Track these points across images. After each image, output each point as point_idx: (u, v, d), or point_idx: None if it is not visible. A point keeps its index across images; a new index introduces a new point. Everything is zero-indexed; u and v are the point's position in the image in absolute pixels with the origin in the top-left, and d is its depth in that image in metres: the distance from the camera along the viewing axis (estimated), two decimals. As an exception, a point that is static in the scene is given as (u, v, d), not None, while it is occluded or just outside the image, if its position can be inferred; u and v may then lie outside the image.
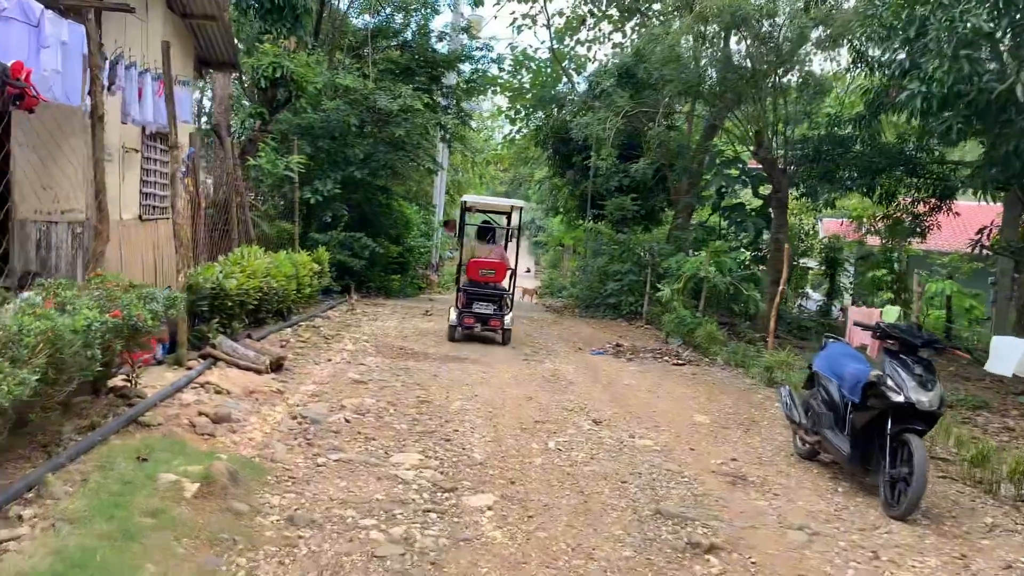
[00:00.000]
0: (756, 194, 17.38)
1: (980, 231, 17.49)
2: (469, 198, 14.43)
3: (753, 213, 16.97)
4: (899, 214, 20.60)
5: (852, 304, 23.54)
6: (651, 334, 15.48)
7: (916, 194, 19.58)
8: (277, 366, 8.82)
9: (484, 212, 15.40)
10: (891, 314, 9.83)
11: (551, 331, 15.19)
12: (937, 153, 18.94)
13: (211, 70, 15.10)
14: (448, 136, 25.16)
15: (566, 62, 24.48)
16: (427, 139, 20.49)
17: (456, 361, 10.63)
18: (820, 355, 7.24)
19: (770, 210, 17.34)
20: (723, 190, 17.18)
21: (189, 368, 8.07)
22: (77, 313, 4.70)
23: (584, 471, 6.23)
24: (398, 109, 17.33)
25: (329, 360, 9.81)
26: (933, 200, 19.36)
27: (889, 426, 6.04)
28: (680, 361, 11.95)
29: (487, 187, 44.16)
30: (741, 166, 17.32)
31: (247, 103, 17.58)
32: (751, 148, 16.28)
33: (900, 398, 5.89)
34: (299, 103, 16.58)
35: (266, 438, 6.30)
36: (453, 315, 12.78)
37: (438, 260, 32.84)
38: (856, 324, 7.42)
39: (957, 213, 20.87)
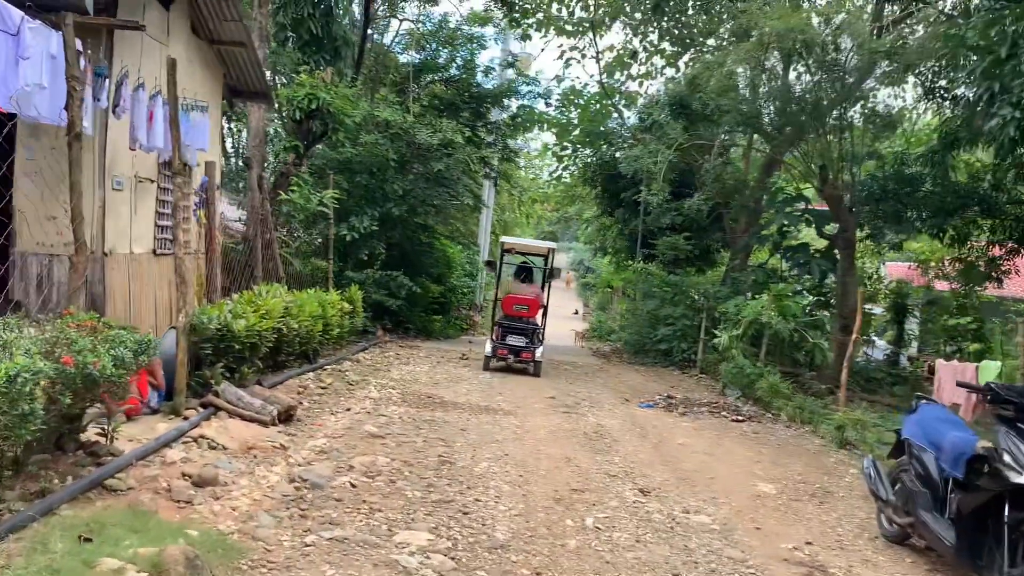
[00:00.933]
0: (820, 234, 16.14)
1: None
2: (508, 240, 15.99)
3: (817, 255, 15.71)
4: (973, 257, 19.22)
5: (939, 357, 21.91)
6: (706, 385, 14.27)
7: (991, 236, 18.25)
8: (287, 417, 7.93)
9: (522, 254, 16.40)
10: (989, 370, 8.57)
11: (596, 379, 14.09)
12: (1014, 192, 17.61)
13: (244, 101, 14.62)
14: (493, 173, 24.48)
15: (616, 97, 23.65)
16: (469, 174, 19.76)
17: (488, 413, 9.63)
18: (911, 419, 6.06)
19: (835, 251, 16.08)
20: (785, 229, 15.98)
21: (186, 418, 7.23)
22: (4, 360, 3.85)
23: (627, 558, 5.14)
24: (438, 143, 16.62)
25: (348, 410, 8.89)
26: (1010, 243, 18.00)
27: (1007, 513, 4.85)
28: (739, 417, 10.75)
29: (534, 227, 43.43)
30: (804, 203, 16.12)
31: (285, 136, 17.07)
32: (816, 185, 15.10)
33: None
34: (336, 137, 15.98)
35: (253, 507, 5.37)
36: (488, 347, 13.86)
37: (482, 301, 32.04)
38: (961, 385, 6.22)
39: (1040, 257, 19.39)
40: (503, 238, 17.32)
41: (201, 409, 7.47)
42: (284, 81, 17.57)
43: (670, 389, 13.22)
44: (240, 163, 17.52)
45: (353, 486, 6.05)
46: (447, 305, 24.13)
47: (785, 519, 6.41)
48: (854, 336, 10.51)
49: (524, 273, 15.30)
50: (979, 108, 10.01)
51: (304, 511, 5.41)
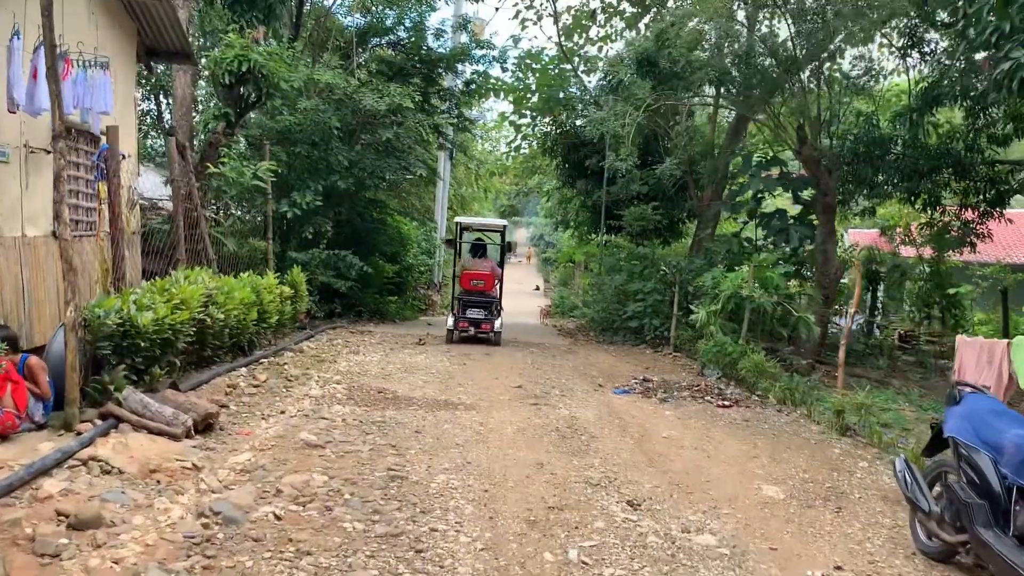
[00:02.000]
0: (797, 199, 15.18)
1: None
2: (463, 219, 17.13)
3: (793, 221, 14.74)
4: (946, 220, 18.52)
5: (911, 325, 21.36)
6: (682, 364, 13.26)
7: (964, 199, 17.58)
8: (206, 426, 6.68)
9: (478, 231, 17.10)
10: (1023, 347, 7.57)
11: (565, 362, 12.99)
12: (988, 153, 16.90)
13: (164, 62, 13.16)
14: (448, 144, 23.13)
15: (576, 59, 22.38)
16: (422, 144, 18.43)
17: (447, 409, 8.46)
18: (954, 413, 5.02)
19: (811, 218, 15.15)
20: (760, 195, 14.97)
21: (79, 433, 5.96)
22: None
23: (625, 608, 4.05)
24: (386, 109, 15.25)
25: (283, 412, 7.65)
26: (983, 206, 17.34)
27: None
28: (725, 402, 9.72)
29: (492, 202, 42.10)
30: (780, 167, 15.10)
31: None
32: (792, 147, 14.09)
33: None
34: (272, 104, 14.54)
35: (144, 557, 4.16)
36: (450, 321, 14.81)
37: (441, 279, 30.79)
38: None
39: (1010, 220, 18.79)
40: (458, 218, 18.33)
41: (99, 422, 6.21)
42: (209, 43, 16.04)
43: (645, 371, 12.18)
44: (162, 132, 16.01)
45: (278, 518, 4.86)
46: (403, 285, 22.90)
47: (802, 534, 5.38)
48: (852, 309, 9.54)
49: (480, 250, 16.07)
50: (984, 53, 8.99)
51: (210, 560, 4.21)
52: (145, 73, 13.35)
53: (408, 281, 23.46)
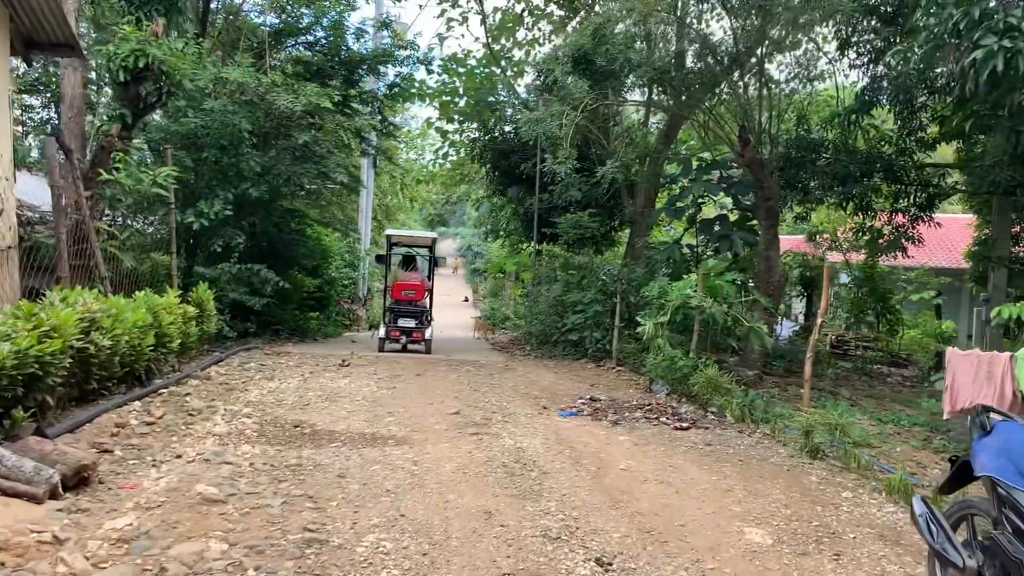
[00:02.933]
0: (738, 204, 14.60)
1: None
2: (392, 232, 17.63)
3: (733, 228, 14.13)
4: (879, 224, 18.41)
5: (845, 330, 21.20)
6: (628, 380, 12.46)
7: (894, 204, 17.50)
8: (79, 480, 5.47)
9: (407, 246, 17.50)
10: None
11: (504, 381, 12.02)
12: (919, 157, 16.83)
13: (45, 55, 11.74)
14: (371, 150, 22.00)
15: (503, 63, 21.54)
16: (342, 150, 17.26)
17: (375, 444, 7.38)
18: (986, 446, 4.21)
19: (753, 223, 14.61)
20: (700, 200, 14.33)
21: (-94, 501, 4.71)
22: None
23: None
24: (302, 110, 14.05)
25: (179, 457, 6.45)
26: (914, 210, 17.28)
27: None
28: (682, 423, 8.91)
29: (418, 212, 40.93)
30: (719, 171, 14.51)
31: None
32: (735, 148, 13.50)
33: None
34: (176, 105, 13.22)
35: None
36: (382, 330, 15.26)
37: (366, 293, 29.50)
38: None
39: (939, 224, 18.79)
40: (388, 231, 18.60)
41: (-65, 483, 4.94)
42: (110, 38, 14.57)
43: (590, 388, 11.32)
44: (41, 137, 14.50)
45: (157, 613, 3.74)
46: (325, 300, 21.67)
47: (803, 591, 4.54)
48: (819, 320, 8.83)
49: (411, 262, 16.77)
50: (945, 45, 8.45)
51: None
52: (24, 68, 11.89)
53: (330, 296, 22.23)
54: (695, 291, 10.74)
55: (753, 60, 12.48)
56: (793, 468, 7.35)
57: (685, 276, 12.81)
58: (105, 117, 12.06)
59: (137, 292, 9.88)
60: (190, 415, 7.98)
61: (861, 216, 18.16)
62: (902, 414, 10.64)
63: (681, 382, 10.50)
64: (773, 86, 13.67)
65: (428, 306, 16.03)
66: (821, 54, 15.42)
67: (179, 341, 10.09)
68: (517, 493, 6.06)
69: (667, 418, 9.13)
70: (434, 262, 16.90)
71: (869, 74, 14.97)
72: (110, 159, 11.51)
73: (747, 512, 5.91)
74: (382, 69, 20.07)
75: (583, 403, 9.98)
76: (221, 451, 6.71)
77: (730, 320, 11.00)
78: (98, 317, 7.33)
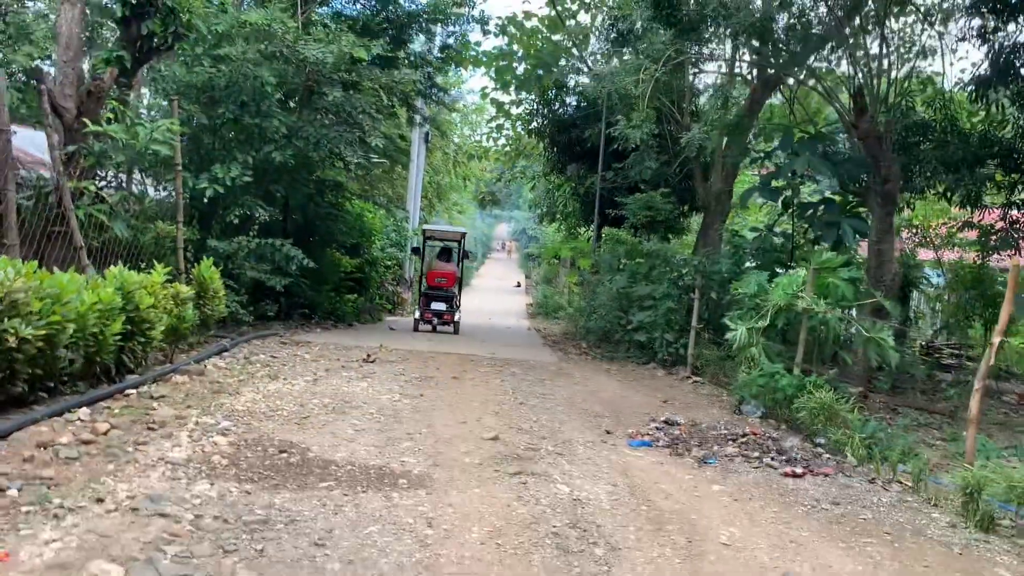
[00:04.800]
0: (843, 186, 12.27)
1: None
2: (428, 227, 19.99)
3: (844, 214, 11.82)
4: (996, 219, 16.01)
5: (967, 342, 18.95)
6: (709, 396, 10.32)
7: (1011, 196, 15.05)
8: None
9: (440, 240, 19.17)
10: None
11: (556, 389, 10.01)
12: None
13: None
14: (420, 120, 20.12)
15: (570, 23, 19.35)
16: (384, 115, 15.38)
17: (379, 485, 5.41)
18: None
19: (861, 209, 12.28)
20: (801, 179, 12.03)
21: None
22: None
23: None
24: (334, 61, 12.15)
25: (99, 502, 4.56)
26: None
27: None
28: (793, 467, 6.76)
29: (472, 190, 39.03)
30: (828, 145, 12.17)
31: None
32: (849, 118, 11.18)
33: None
34: (188, 50, 11.46)
35: None
36: (417, 313, 17.01)
37: (412, 275, 27.74)
38: None
39: (1063, 220, 16.21)
40: (424, 226, 21.19)
41: None
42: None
43: (663, 405, 9.22)
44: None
45: None
46: (365, 281, 19.99)
47: None
48: (996, 339, 6.58)
49: (446, 254, 18.13)
50: None
51: None
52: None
53: (371, 277, 20.54)
54: (803, 290, 8.54)
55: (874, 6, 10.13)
56: (966, 550, 5.17)
57: (780, 271, 10.58)
58: (102, 59, 10.29)
59: (153, 267, 8.28)
60: (149, 429, 6.13)
61: (969, 209, 15.72)
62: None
63: (781, 405, 8.35)
64: (897, 42, 11.29)
65: (457, 292, 17.63)
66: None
67: (165, 327, 8.30)
68: (575, 588, 4.04)
69: (770, 457, 7.00)
70: (464, 254, 18.45)
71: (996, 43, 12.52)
72: (102, 108, 9.77)
73: (932, 644, 3.80)
74: (434, 29, 18.12)
75: (657, 427, 7.90)
76: (166, 492, 4.82)
77: (845, 327, 8.77)
78: (20, 299, 5.51)
